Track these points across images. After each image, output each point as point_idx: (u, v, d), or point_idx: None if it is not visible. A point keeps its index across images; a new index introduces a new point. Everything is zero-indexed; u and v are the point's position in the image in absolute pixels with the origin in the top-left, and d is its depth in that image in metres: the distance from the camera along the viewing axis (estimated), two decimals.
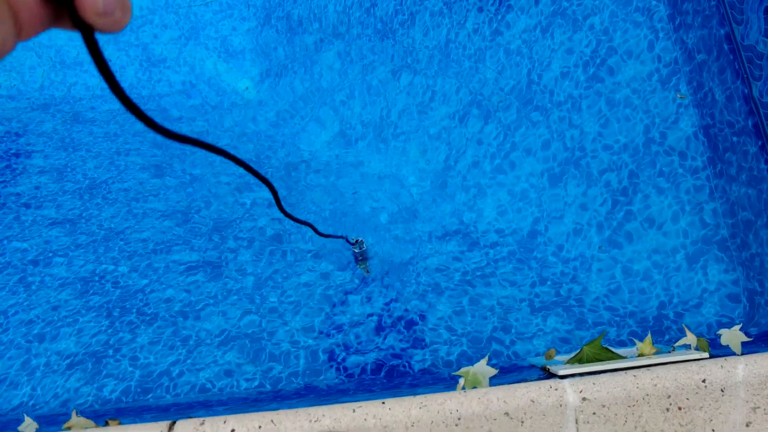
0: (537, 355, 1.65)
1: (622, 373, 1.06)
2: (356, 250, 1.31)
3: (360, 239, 1.34)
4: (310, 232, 2.60)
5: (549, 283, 2.01)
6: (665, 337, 1.68)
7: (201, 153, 3.37)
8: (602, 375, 1.07)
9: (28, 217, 2.86)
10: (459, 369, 1.68)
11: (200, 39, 3.84)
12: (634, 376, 1.04)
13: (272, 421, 1.04)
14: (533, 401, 1.03)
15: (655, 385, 1.02)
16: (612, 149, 2.03)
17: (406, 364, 1.67)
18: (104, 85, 3.85)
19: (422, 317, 1.88)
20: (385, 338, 1.82)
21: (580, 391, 1.03)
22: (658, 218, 1.90)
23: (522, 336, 1.78)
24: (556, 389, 1.04)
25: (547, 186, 2.19)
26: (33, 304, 2.28)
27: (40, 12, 0.26)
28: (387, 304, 1.99)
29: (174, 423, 1.09)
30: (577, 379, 1.07)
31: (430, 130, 2.71)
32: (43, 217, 2.86)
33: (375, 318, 1.91)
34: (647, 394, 1.02)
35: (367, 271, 1.48)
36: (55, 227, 2.78)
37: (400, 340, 1.79)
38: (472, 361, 1.73)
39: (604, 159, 2.04)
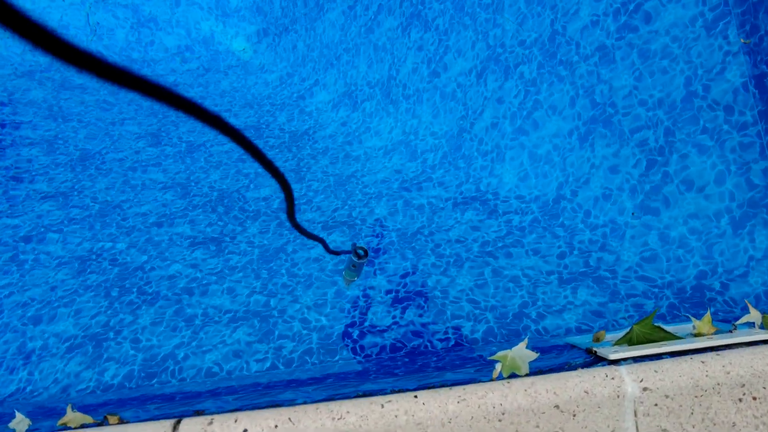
0: (576, 333, 1.53)
1: (687, 358, 0.93)
2: (355, 259, 1.17)
3: (365, 248, 1.20)
4: (316, 203, 2.45)
5: (576, 252, 1.87)
6: (711, 310, 1.55)
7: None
8: (664, 361, 0.93)
9: (19, 191, 2.70)
10: (486, 347, 1.56)
11: None
12: (702, 362, 0.91)
13: (290, 419, 0.91)
14: (587, 392, 0.90)
15: (728, 373, 0.89)
16: (646, 104, 1.86)
17: (428, 343, 1.55)
18: (91, 47, 3.63)
19: (443, 291, 1.75)
20: (403, 313, 1.69)
21: (641, 380, 0.90)
22: (698, 180, 1.74)
23: (550, 310, 1.65)
24: (613, 378, 0.91)
25: (575, 147, 2.02)
26: (27, 285, 2.16)
27: None
28: (403, 276, 1.86)
29: (179, 421, 0.97)
30: (635, 365, 0.94)
31: (445, 88, 2.52)
32: (35, 191, 2.69)
33: (392, 293, 1.79)
34: (718, 383, 0.89)
35: (347, 283, 1.36)
36: (47, 201, 2.62)
37: (420, 315, 1.66)
38: (497, 338, 1.61)
39: (639, 115, 1.87)
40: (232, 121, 3.16)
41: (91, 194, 2.72)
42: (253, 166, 2.78)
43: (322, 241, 0.88)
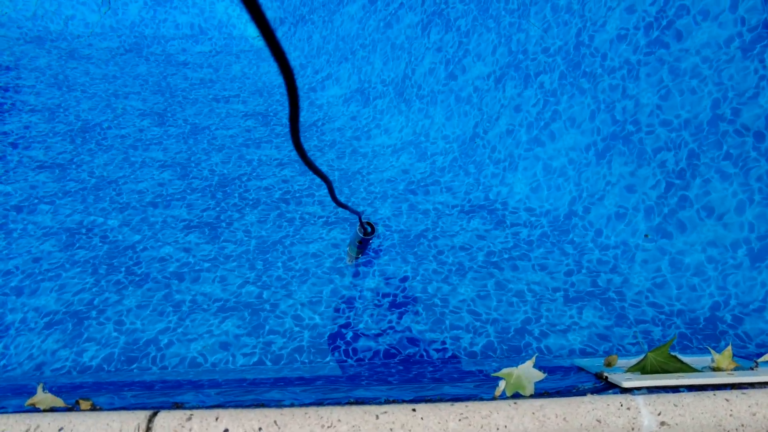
0: (580, 355, 1.45)
1: (710, 394, 0.86)
2: (361, 235, 1.09)
3: (373, 225, 1.12)
4: (318, 196, 2.37)
5: (585, 271, 1.80)
6: (720, 343, 1.48)
7: (204, 102, 3.09)
8: (684, 395, 0.86)
9: (14, 157, 2.62)
10: (485, 361, 1.49)
11: None
12: (726, 400, 0.84)
13: (276, 422, 0.84)
14: (599, 421, 0.83)
15: (754, 414, 0.82)
16: (671, 125, 1.79)
17: (424, 352, 1.47)
18: (104, 21, 3.56)
19: (443, 299, 1.68)
20: (400, 318, 1.62)
21: (659, 413, 0.83)
22: (719, 207, 1.67)
23: (554, 328, 1.58)
24: (628, 408, 0.84)
25: (591, 162, 1.96)
26: (12, 254, 2.08)
27: None
28: (403, 280, 1.78)
29: (156, 413, 0.89)
30: (652, 396, 0.86)
31: (461, 92, 2.45)
32: (30, 159, 2.61)
33: (390, 296, 1.71)
34: (742, 425, 0.82)
35: (351, 260, 1.31)
36: (43, 171, 2.54)
37: (418, 323, 1.59)
38: (497, 353, 1.54)
39: (660, 135, 1.80)
40: (240, 107, 3.09)
41: (88, 168, 2.65)
42: (256, 153, 2.71)
43: (357, 213, 0.85)
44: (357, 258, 1.31)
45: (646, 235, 1.79)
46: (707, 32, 1.71)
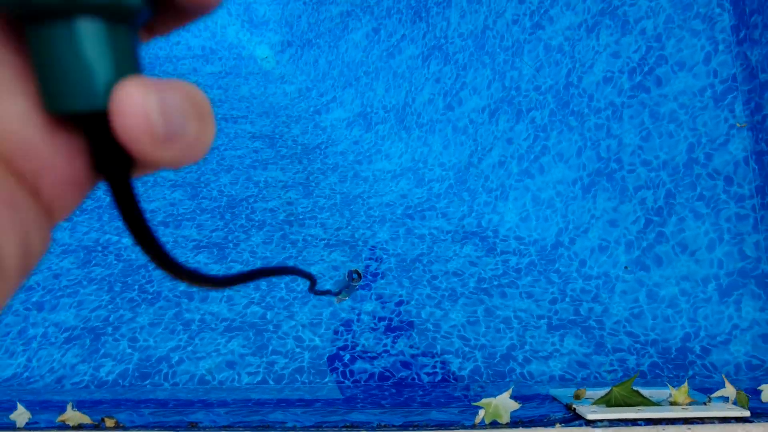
0: (559, 381, 1.58)
1: (660, 428, 0.98)
2: (349, 281, 1.20)
3: (359, 272, 1.22)
4: (321, 219, 2.51)
5: (568, 299, 1.92)
6: (689, 373, 1.60)
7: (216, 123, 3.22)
8: (641, 428, 0.99)
9: None
10: (471, 386, 1.62)
11: (223, 3, 3.68)
12: None
13: None
14: None
15: None
16: (650, 165, 1.92)
17: (416, 376, 1.60)
18: None
19: (435, 324, 1.81)
20: (394, 342, 1.75)
21: None
22: (691, 244, 1.80)
23: (537, 355, 1.70)
24: None
25: (578, 196, 2.08)
26: (34, 269, 2.20)
27: (75, 172, 0.15)
28: (398, 304, 1.91)
29: None
30: (613, 429, 0.99)
31: (457, 122, 2.59)
32: None
33: (386, 320, 1.84)
34: None
35: (338, 301, 1.40)
36: None
37: (411, 347, 1.72)
38: (482, 377, 1.66)
39: (641, 174, 1.93)
40: (248, 127, 3.24)
41: (103, 187, 2.79)
42: (263, 174, 2.85)
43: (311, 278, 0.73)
44: (344, 300, 1.41)
45: (625, 267, 1.92)
46: (683, 81, 1.84)
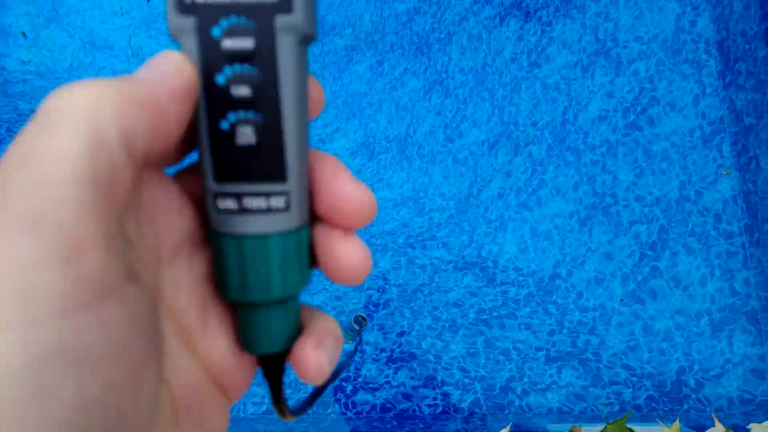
0: (557, 413, 1.62)
1: None
2: (355, 326, 1.24)
3: (365, 317, 1.26)
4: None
5: (566, 331, 1.97)
6: (684, 406, 1.65)
7: None
8: None
9: None
10: (470, 419, 1.66)
11: None
12: None
13: None
14: None
15: None
16: (644, 201, 1.99)
17: (417, 407, 1.65)
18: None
19: (436, 355, 1.85)
20: (396, 373, 1.79)
21: None
22: (684, 279, 1.85)
23: (535, 387, 1.75)
24: None
25: (574, 229, 2.15)
26: None
27: (251, 376, 0.24)
28: (399, 335, 1.96)
29: None
30: None
31: (458, 154, 2.67)
32: None
33: (387, 351, 1.89)
34: None
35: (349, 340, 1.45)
36: None
37: (412, 378, 1.76)
38: (482, 409, 1.71)
39: (635, 210, 2.00)
40: None
41: None
42: None
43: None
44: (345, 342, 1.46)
45: (621, 300, 1.97)
46: (674, 121, 1.92)
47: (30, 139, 0.16)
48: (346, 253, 0.21)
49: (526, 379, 1.77)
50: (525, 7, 2.48)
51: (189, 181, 0.22)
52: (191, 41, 0.19)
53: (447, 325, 2.01)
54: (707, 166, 1.82)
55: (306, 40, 0.20)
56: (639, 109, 2.03)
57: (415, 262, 2.40)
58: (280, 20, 0.19)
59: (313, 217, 0.22)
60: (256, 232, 0.20)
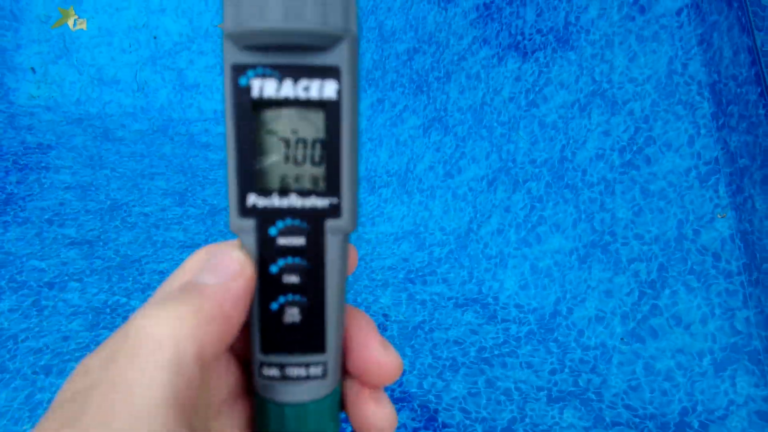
0: None
1: None
2: None
3: None
4: None
5: (567, 370, 1.96)
6: None
7: (222, 183, 3.37)
8: None
9: (50, 234, 2.86)
10: None
11: None
12: None
13: None
14: None
15: None
16: (643, 239, 2.00)
17: None
18: (136, 104, 3.91)
19: (437, 396, 1.84)
20: (397, 414, 1.77)
21: None
22: (685, 317, 1.85)
23: (537, 429, 1.73)
24: None
25: (574, 266, 2.16)
26: (44, 331, 2.27)
27: None
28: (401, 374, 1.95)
29: None
30: None
31: (457, 189, 2.70)
32: (64, 236, 2.86)
33: (388, 390, 1.87)
34: None
35: None
36: (73, 248, 2.78)
37: (413, 419, 1.75)
38: None
39: (634, 248, 2.01)
40: None
41: (114, 246, 2.87)
42: None
43: None
44: None
45: (622, 339, 1.97)
46: (671, 161, 1.95)
47: (119, 363, 0.18)
48: (375, 418, 0.23)
49: (527, 420, 1.75)
50: (522, 48, 2.55)
51: (236, 342, 0.24)
52: (250, 238, 0.22)
53: (448, 363, 2.00)
54: (704, 205, 1.84)
55: (348, 234, 0.23)
56: (635, 148, 2.07)
57: (415, 298, 2.40)
58: (330, 223, 0.22)
59: (344, 370, 0.25)
60: (296, 401, 0.23)
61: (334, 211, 0.22)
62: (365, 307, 2.37)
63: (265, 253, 0.22)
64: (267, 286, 0.22)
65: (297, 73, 0.21)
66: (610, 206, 2.11)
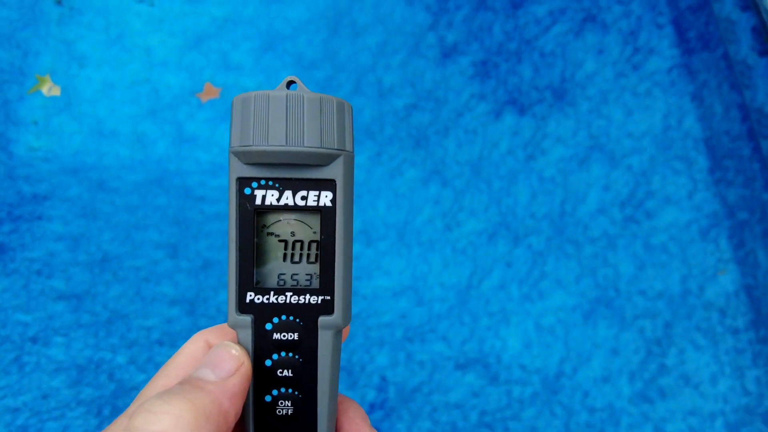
0: None
1: None
2: None
3: None
4: None
5: None
6: None
7: (217, 235, 3.34)
8: None
9: (37, 285, 2.78)
10: None
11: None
12: None
13: None
14: None
15: None
16: (647, 295, 1.96)
17: None
18: (135, 155, 3.93)
19: None
20: None
21: None
22: (694, 377, 1.78)
23: None
24: None
25: (578, 323, 2.10)
26: (23, 389, 2.15)
27: None
28: None
29: None
30: None
31: (457, 243, 2.67)
32: (52, 289, 2.78)
33: None
34: None
35: None
36: (61, 301, 2.69)
37: None
38: None
39: (638, 304, 1.97)
40: None
41: (103, 301, 2.79)
42: None
43: None
44: None
45: (628, 399, 1.88)
46: (671, 215, 1.94)
47: None
48: None
49: None
50: (520, 104, 2.60)
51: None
52: (246, 333, 0.24)
53: (448, 429, 1.90)
54: (707, 260, 1.82)
55: (341, 330, 0.24)
56: (635, 202, 2.07)
57: (414, 358, 2.31)
58: (323, 320, 0.23)
59: None
60: None
61: (327, 307, 0.24)
62: (360, 367, 2.27)
63: (261, 347, 0.24)
64: (261, 379, 0.24)
65: (297, 185, 0.24)
66: (612, 261, 2.08)
